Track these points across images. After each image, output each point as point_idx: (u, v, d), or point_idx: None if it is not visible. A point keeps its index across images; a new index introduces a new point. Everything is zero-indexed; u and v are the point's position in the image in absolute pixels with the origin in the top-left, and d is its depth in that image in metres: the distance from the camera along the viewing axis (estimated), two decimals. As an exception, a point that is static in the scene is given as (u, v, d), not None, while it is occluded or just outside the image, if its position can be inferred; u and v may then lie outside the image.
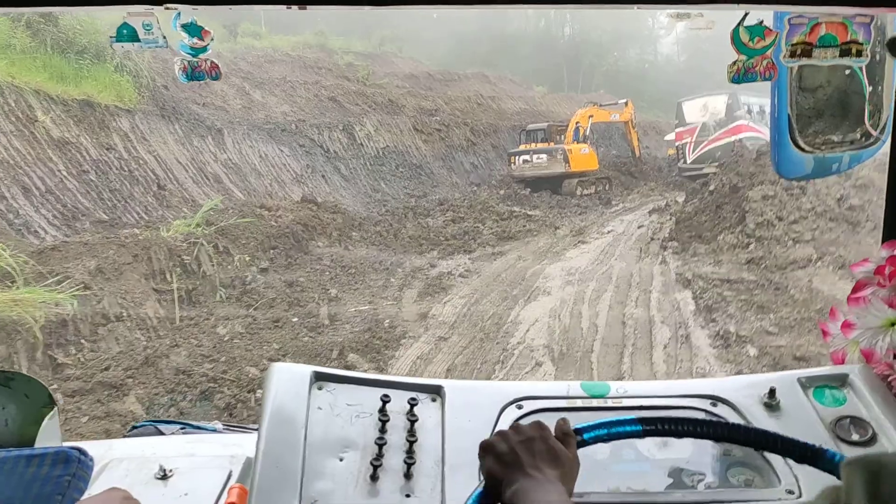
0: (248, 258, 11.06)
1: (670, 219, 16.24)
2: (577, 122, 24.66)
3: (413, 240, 14.71)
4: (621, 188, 24.49)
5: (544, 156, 22.97)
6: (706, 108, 23.84)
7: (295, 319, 8.69)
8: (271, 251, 11.90)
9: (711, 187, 15.51)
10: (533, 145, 23.95)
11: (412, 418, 1.42)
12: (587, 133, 24.71)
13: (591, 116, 25.30)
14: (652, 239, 14.43)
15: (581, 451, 1.10)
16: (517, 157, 23.66)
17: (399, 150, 24.03)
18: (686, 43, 66.17)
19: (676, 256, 12.15)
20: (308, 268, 11.63)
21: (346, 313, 9.35)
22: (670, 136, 32.47)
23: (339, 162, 21.72)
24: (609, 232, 16.01)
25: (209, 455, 1.60)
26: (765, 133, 19.05)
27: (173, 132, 16.22)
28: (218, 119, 18.61)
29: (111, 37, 1.21)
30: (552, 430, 1.09)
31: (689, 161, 23.78)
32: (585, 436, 1.12)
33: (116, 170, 13.41)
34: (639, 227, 16.25)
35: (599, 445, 1.17)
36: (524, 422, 1.21)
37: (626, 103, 27.13)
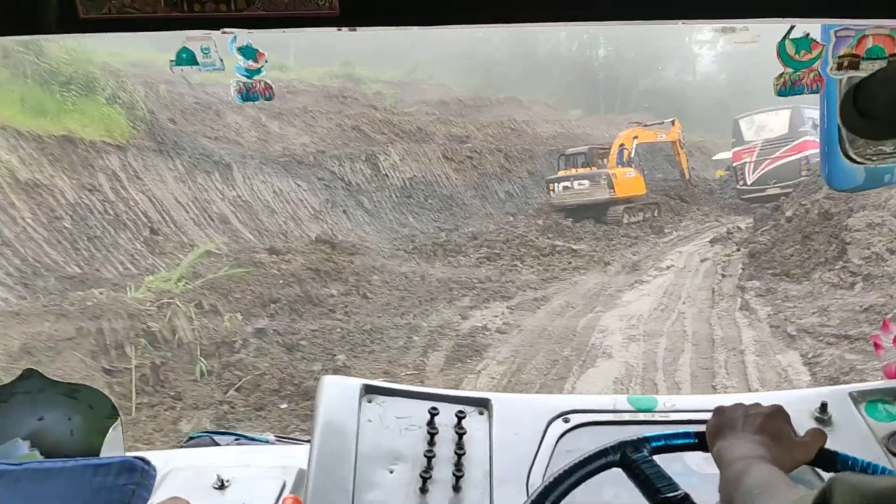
0: (240, 317, 9.13)
1: (738, 250, 14.08)
2: (620, 144, 22.68)
3: (442, 283, 12.69)
4: (672, 214, 22.36)
5: (586, 181, 21.03)
6: (766, 124, 21.55)
7: (284, 406, 6.68)
8: (272, 306, 9.97)
9: (789, 213, 13.29)
10: (573, 170, 22.09)
11: (460, 431, 1.40)
12: (632, 155, 22.76)
13: (635, 137, 23.31)
14: (723, 276, 12.21)
15: None
16: (556, 184, 21.73)
17: (427, 179, 22.32)
18: (726, 60, 63.97)
19: (762, 300, 9.88)
20: (315, 324, 9.67)
21: (353, 390, 7.34)
22: (720, 156, 30.37)
23: (362, 195, 19.98)
24: (669, 267, 13.80)
25: (264, 466, 1.58)
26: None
27: (172, 168, 14.53)
28: (228, 153, 16.94)
29: (171, 60, 1.21)
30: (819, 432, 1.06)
31: (749, 182, 21.49)
32: (839, 463, 1.03)
33: (99, 214, 11.66)
34: (702, 261, 14.06)
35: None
36: (571, 435, 1.40)
37: (672, 122, 25.10)
